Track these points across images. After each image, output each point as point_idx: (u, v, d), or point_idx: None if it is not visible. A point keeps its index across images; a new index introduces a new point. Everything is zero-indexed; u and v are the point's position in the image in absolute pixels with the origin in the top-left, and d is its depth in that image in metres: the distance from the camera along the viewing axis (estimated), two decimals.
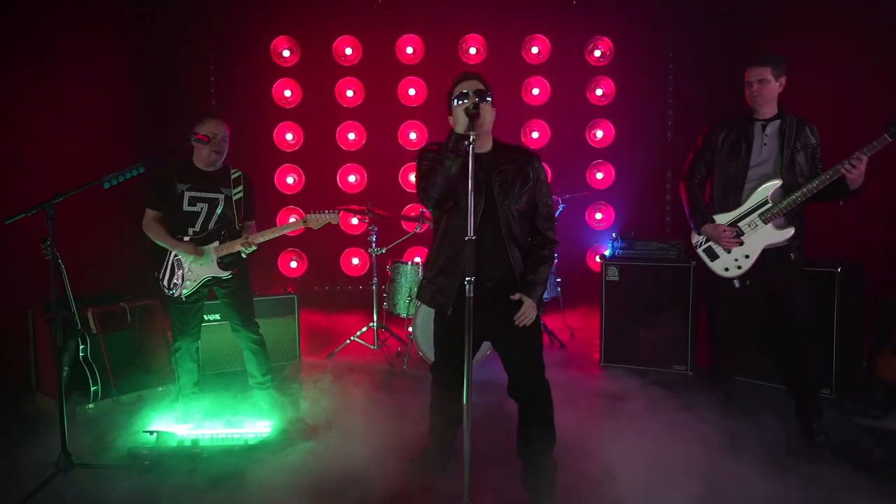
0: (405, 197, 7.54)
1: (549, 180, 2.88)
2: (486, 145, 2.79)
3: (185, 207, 3.68)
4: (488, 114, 2.68)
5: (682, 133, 7.36)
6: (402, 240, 5.57)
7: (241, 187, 3.81)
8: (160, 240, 3.67)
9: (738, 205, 3.50)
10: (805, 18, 5.77)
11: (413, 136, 7.59)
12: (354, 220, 7.51)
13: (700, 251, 3.68)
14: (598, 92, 7.57)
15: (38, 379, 4.16)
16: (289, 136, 7.54)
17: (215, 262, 3.63)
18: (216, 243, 3.64)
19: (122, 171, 3.21)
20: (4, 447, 3.45)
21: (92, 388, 3.92)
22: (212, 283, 3.74)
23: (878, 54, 4.98)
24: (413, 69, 7.53)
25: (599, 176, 7.64)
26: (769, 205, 3.41)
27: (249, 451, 3.34)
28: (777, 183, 3.41)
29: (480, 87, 2.70)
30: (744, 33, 6.73)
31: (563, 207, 5.57)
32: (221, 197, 3.74)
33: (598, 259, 4.88)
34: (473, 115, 2.46)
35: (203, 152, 3.70)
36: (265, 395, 3.93)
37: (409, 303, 5.10)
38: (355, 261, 7.68)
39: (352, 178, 7.59)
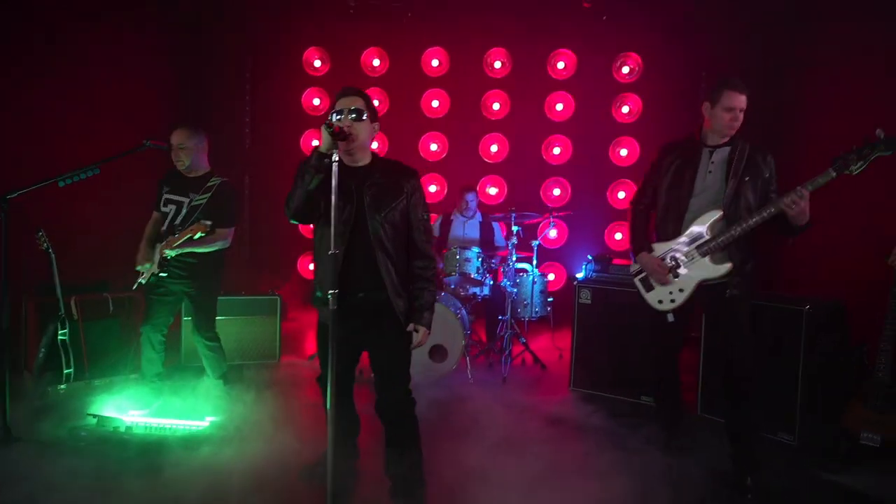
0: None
1: (425, 199, 2.95)
2: (363, 160, 2.83)
3: (161, 208, 4.04)
4: (363, 131, 2.74)
5: None
6: None
7: (208, 195, 3.99)
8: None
9: (678, 234, 3.32)
10: (844, 37, 5.40)
11: (434, 147, 7.68)
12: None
13: (637, 280, 3.51)
14: (625, 109, 7.38)
15: (27, 359, 4.54)
16: (315, 143, 7.80)
17: (157, 260, 3.86)
18: (163, 243, 3.87)
19: (76, 172, 3.50)
20: None
21: (65, 371, 4.24)
22: (173, 281, 3.95)
23: None
24: (437, 81, 7.63)
25: (621, 195, 7.43)
26: (707, 237, 3.22)
27: (177, 443, 3.51)
28: (718, 214, 3.20)
29: (358, 105, 2.74)
30: (780, 54, 6.39)
31: (519, 230, 5.40)
32: (186, 201, 3.97)
33: (572, 281, 4.75)
34: (334, 132, 2.52)
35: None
36: (214, 393, 4.12)
37: None
38: None
39: None
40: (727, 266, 3.20)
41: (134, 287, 3.99)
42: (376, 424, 2.99)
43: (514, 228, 5.31)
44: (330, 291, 2.56)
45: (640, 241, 3.47)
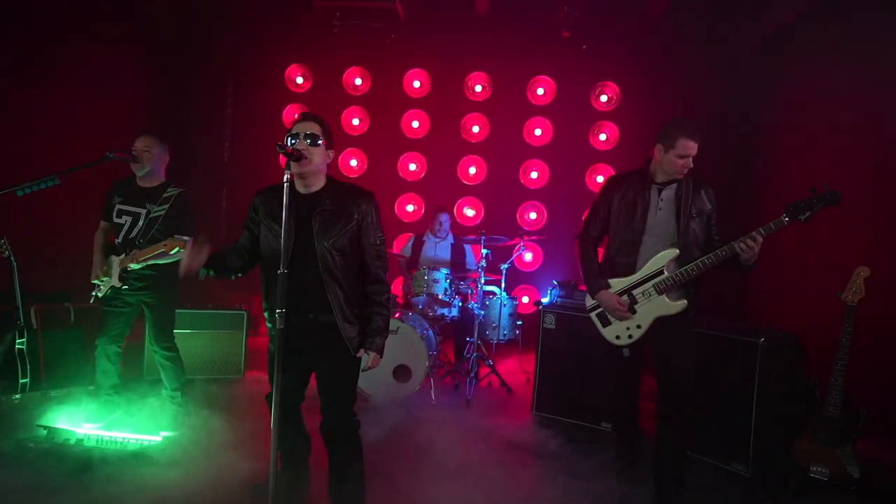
0: (399, 227, 7.65)
1: (379, 221, 2.93)
2: (316, 185, 2.83)
3: (114, 219, 3.98)
4: (316, 156, 2.75)
5: None
6: None
7: (166, 206, 3.98)
8: (94, 249, 3.98)
9: (633, 271, 3.36)
10: (814, 67, 5.54)
11: (413, 167, 7.73)
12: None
13: (593, 316, 3.52)
14: (602, 137, 7.48)
15: None
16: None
17: (117, 273, 3.83)
18: (123, 256, 3.84)
19: (36, 182, 3.49)
20: None
21: (20, 381, 4.19)
22: (131, 293, 3.92)
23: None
24: (419, 102, 7.70)
25: None
26: (664, 275, 3.27)
27: (124, 458, 3.47)
28: (674, 252, 3.27)
29: (314, 130, 2.77)
30: (754, 85, 6.53)
31: (489, 252, 5.46)
32: (144, 212, 3.95)
33: (536, 305, 4.78)
34: (287, 153, 2.57)
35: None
36: (171, 408, 4.08)
37: None
38: None
39: None
40: (683, 302, 3.29)
41: (91, 300, 3.95)
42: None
43: (484, 251, 5.34)
44: (277, 311, 2.57)
45: (596, 278, 3.45)
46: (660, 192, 3.35)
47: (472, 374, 5.21)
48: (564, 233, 7.14)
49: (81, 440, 3.59)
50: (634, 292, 3.35)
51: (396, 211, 7.72)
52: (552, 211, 7.58)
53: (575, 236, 3.62)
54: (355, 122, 7.75)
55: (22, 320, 4.22)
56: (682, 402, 3.27)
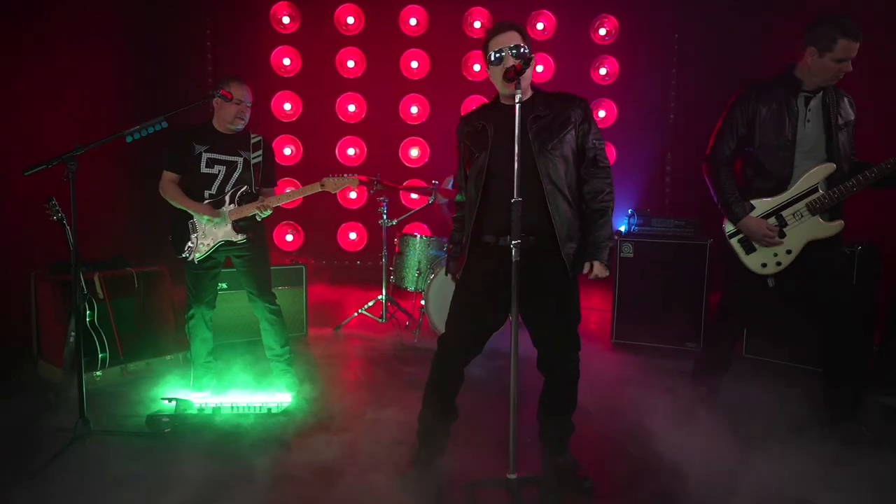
0: (406, 172, 7.42)
1: (597, 124, 2.68)
2: (525, 95, 2.53)
3: (203, 169, 3.54)
4: (527, 69, 2.45)
5: (684, 115, 7.34)
6: (412, 212, 5.48)
7: (260, 152, 3.66)
8: (177, 201, 3.53)
9: (781, 191, 3.13)
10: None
11: (414, 109, 7.46)
12: (353, 195, 7.42)
13: (734, 242, 3.26)
14: (602, 71, 7.51)
15: (41, 346, 3.97)
16: (287, 106, 7.34)
17: (230, 225, 3.48)
18: (232, 206, 3.50)
19: (144, 126, 3.05)
20: (17, 416, 3.28)
21: (100, 355, 3.76)
22: (226, 248, 3.58)
23: None
24: (416, 41, 7.38)
25: None
26: (819, 193, 3.05)
27: (270, 424, 3.23)
28: (831, 167, 3.04)
29: (518, 41, 2.53)
30: (752, 11, 6.71)
31: None
32: (240, 160, 3.59)
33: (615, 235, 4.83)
34: (509, 77, 2.40)
35: (226, 115, 3.53)
36: (283, 368, 3.80)
37: (417, 276, 5.00)
38: (353, 235, 7.53)
39: (351, 151, 7.44)
40: (839, 223, 3.09)
41: (197, 262, 3.52)
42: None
43: None
44: (513, 242, 2.43)
45: (738, 202, 3.20)
46: (807, 101, 3.10)
47: None
48: None
49: (218, 409, 3.30)
50: (784, 213, 3.12)
51: (400, 156, 7.46)
52: None
53: (704, 158, 3.34)
54: (350, 64, 7.31)
55: (86, 290, 3.74)
56: (856, 334, 3.08)
